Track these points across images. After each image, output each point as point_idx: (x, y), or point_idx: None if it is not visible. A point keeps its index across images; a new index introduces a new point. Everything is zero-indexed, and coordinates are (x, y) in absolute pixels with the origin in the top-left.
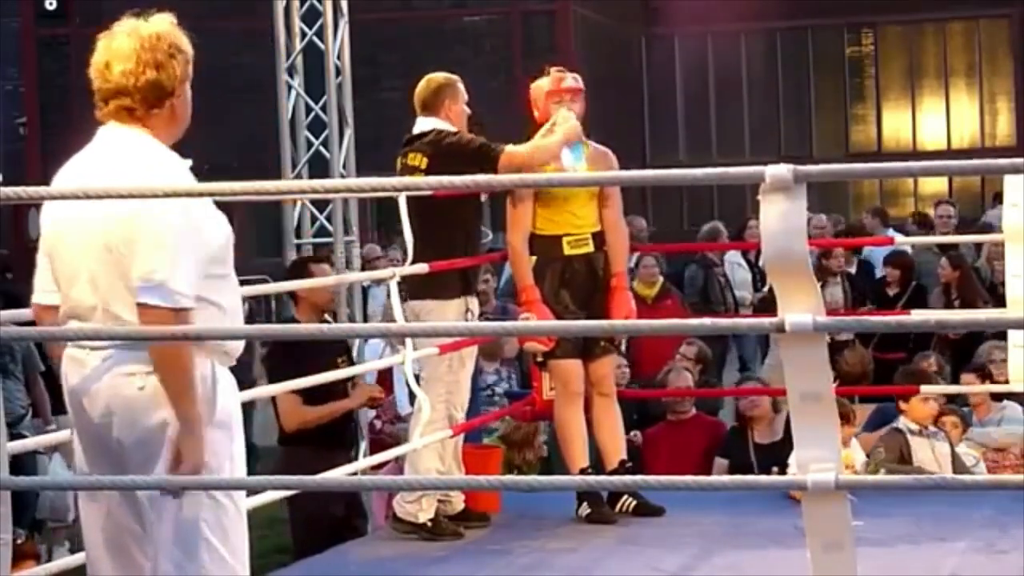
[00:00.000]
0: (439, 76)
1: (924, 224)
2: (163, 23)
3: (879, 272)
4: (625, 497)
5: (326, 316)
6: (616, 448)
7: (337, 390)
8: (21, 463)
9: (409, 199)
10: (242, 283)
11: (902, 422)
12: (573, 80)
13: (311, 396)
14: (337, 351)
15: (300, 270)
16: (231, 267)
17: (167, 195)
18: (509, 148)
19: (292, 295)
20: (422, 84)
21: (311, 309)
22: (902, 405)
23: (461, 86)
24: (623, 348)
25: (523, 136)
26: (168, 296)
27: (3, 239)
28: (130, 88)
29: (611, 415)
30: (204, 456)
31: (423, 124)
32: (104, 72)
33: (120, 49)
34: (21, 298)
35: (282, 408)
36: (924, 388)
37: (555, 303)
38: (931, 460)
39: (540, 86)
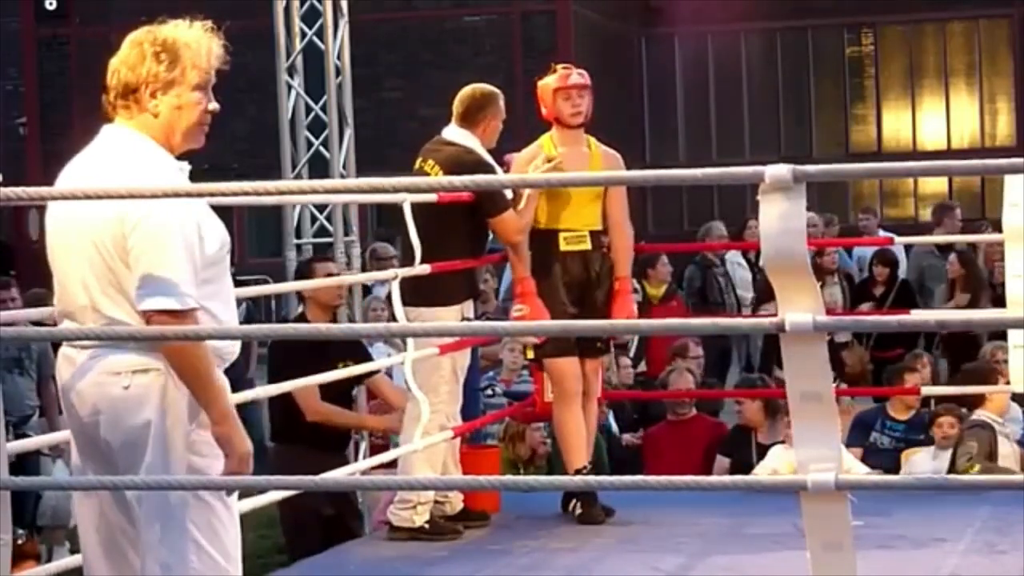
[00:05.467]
0: (486, 89)
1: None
2: (180, 30)
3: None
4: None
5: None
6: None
7: (340, 392)
8: (24, 464)
9: (414, 207)
10: (242, 283)
11: (984, 414)
12: (579, 76)
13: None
14: (339, 353)
15: (305, 270)
16: (227, 273)
17: (166, 195)
18: (510, 214)
19: (300, 297)
20: (467, 93)
21: (319, 308)
22: (984, 398)
23: (503, 102)
24: (631, 351)
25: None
26: (172, 299)
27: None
28: (139, 85)
29: (588, 416)
30: (248, 444)
31: (455, 135)
32: (117, 70)
33: (135, 51)
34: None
35: (302, 401)
36: (925, 390)
37: (548, 298)
38: (1010, 455)
39: (547, 84)
